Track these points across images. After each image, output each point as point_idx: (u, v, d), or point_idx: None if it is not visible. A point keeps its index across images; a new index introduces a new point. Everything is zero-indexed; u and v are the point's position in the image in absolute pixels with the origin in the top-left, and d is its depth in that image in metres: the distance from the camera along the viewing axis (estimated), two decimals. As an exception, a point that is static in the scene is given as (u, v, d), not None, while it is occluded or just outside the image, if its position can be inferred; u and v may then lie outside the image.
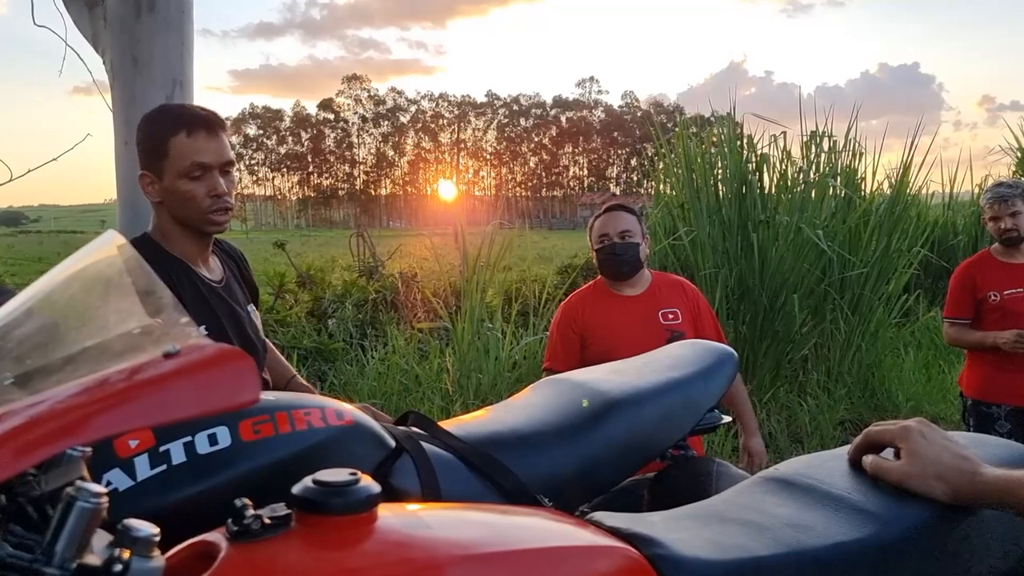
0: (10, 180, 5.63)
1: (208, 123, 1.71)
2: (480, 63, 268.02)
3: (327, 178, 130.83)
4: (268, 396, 1.16)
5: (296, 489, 0.73)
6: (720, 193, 6.04)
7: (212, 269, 1.85)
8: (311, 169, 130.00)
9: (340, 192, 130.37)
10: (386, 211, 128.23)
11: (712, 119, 7.75)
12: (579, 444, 1.33)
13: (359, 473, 0.74)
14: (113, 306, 0.74)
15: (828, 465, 1.05)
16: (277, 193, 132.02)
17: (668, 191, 6.58)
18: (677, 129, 6.39)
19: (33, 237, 50.05)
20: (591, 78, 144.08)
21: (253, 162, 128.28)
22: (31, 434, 0.55)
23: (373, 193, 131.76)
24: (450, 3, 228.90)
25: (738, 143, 6.14)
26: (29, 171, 5.91)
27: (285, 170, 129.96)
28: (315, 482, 0.72)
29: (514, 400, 1.56)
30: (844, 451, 1.06)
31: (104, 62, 4.88)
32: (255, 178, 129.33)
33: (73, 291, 0.79)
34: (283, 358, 2.08)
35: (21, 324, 0.73)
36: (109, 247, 0.78)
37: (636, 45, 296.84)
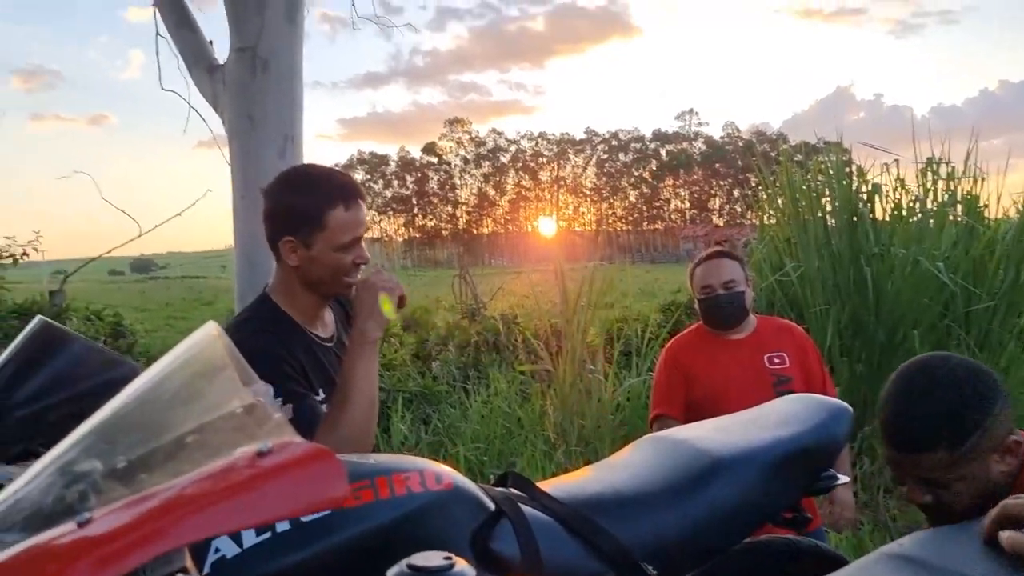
0: (139, 236, 6.05)
1: (359, 194, 1.76)
2: (578, 101, 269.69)
3: (431, 219, 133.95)
4: (368, 459, 1.17)
5: (391, 573, 0.73)
6: (829, 225, 5.83)
7: (326, 325, 1.90)
8: (415, 211, 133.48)
9: (443, 232, 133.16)
10: (488, 249, 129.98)
11: (819, 146, 7.52)
12: (684, 507, 1.28)
13: (454, 557, 0.73)
14: (212, 397, 0.77)
15: (960, 543, 0.96)
16: (384, 235, 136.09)
17: (772, 223, 6.39)
18: (781, 158, 6.22)
19: (162, 283, 53.16)
20: (690, 110, 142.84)
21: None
22: (140, 534, 0.57)
23: (475, 232, 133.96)
24: (547, 43, 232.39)
25: (847, 171, 5.92)
26: (156, 227, 6.33)
27: (391, 213, 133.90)
28: (410, 567, 0.72)
29: (615, 459, 1.52)
30: (976, 526, 0.97)
31: (223, 122, 5.18)
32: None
33: (176, 382, 0.82)
34: None
35: (131, 413, 0.76)
36: (209, 339, 0.81)
37: (736, 75, 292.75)
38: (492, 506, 1.21)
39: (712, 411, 2.62)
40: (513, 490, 1.31)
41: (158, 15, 5.48)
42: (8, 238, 5.64)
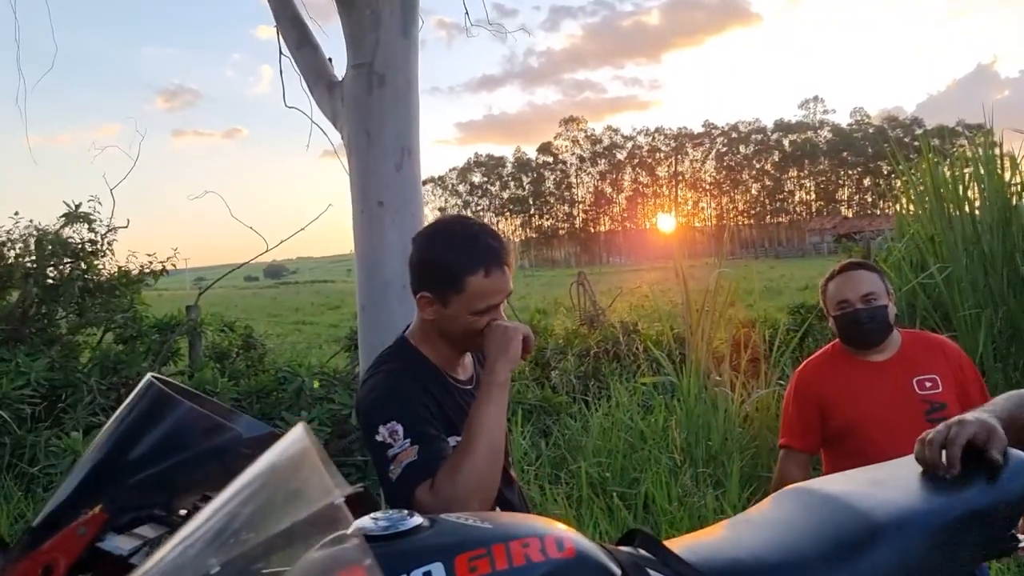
0: (265, 251, 6.27)
1: (503, 258, 1.70)
2: (696, 93, 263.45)
3: (548, 219, 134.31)
4: (484, 522, 1.09)
5: None
6: (977, 221, 5.37)
7: (465, 368, 1.88)
8: (532, 211, 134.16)
9: (560, 231, 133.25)
10: (605, 247, 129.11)
11: (960, 129, 6.99)
12: (838, 575, 1.13)
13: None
14: (293, 511, 0.72)
15: None
16: (501, 236, 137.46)
17: (911, 218, 5.95)
18: (919, 146, 5.77)
19: (292, 288, 55.86)
20: (815, 97, 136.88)
21: (479, 208, 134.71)
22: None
23: (592, 231, 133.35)
24: (663, 37, 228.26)
25: (996, 159, 5.43)
26: (280, 242, 6.52)
27: (508, 213, 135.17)
28: None
29: (753, 515, 1.37)
30: None
31: (342, 137, 5.28)
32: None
33: (267, 494, 0.78)
34: None
35: (225, 518, 0.72)
36: (298, 446, 0.76)
37: (864, 57, 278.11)
38: (618, 572, 1.11)
39: (854, 446, 2.39)
40: (641, 551, 1.20)
41: (280, 35, 5.65)
42: (150, 255, 5.97)
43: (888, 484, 1.28)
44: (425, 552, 0.95)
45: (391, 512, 1.00)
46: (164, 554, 0.75)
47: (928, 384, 2.38)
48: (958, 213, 5.39)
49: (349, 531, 0.77)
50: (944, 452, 1.25)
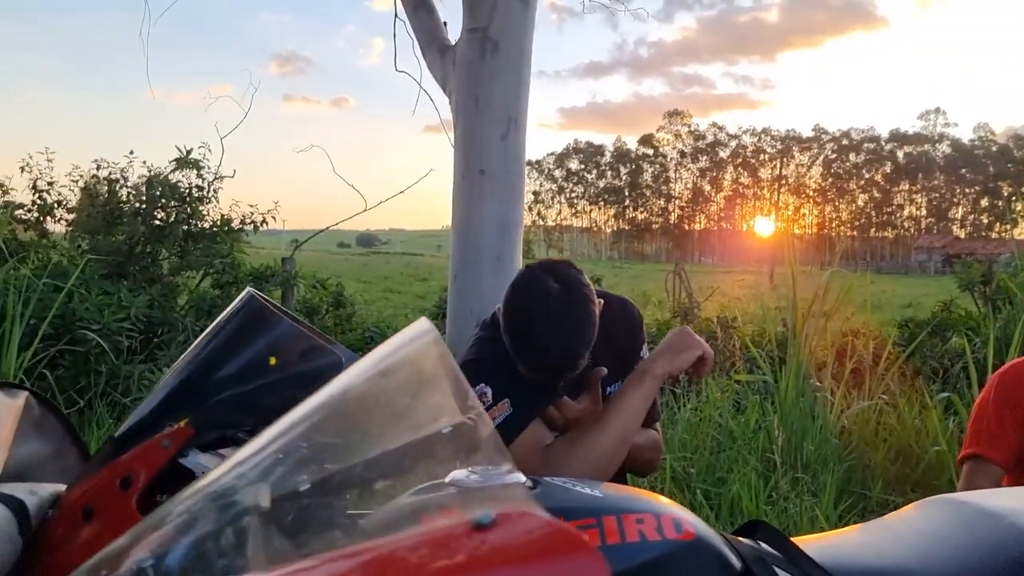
0: (364, 210, 6.31)
1: (557, 378, 1.55)
2: (809, 96, 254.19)
3: (642, 212, 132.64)
4: (595, 491, 0.97)
5: None
6: None
7: None
8: (627, 203, 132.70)
9: (653, 226, 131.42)
10: (698, 246, 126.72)
11: None
12: None
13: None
14: (417, 417, 0.60)
15: None
16: (593, 225, 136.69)
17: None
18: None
19: (382, 257, 57.05)
20: (936, 109, 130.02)
21: (573, 195, 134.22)
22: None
23: (686, 228, 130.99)
24: (781, 35, 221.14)
25: None
26: (380, 203, 6.58)
27: (602, 203, 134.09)
28: None
29: (893, 522, 1.20)
30: None
31: (450, 102, 5.24)
32: (574, 210, 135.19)
33: (381, 391, 0.66)
34: None
35: (322, 426, 0.61)
36: (423, 342, 0.64)
37: (993, 71, 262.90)
38: (739, 565, 0.97)
39: None
40: (764, 545, 1.06)
41: (398, -2, 5.64)
42: (252, 206, 6.08)
43: (1061, 505, 1.09)
44: None
45: (489, 466, 0.90)
46: (247, 455, 0.65)
47: None
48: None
49: (447, 480, 0.66)
50: None
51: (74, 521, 1.03)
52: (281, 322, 1.12)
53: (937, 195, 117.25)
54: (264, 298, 1.15)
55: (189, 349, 1.15)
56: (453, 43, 5.18)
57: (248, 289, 1.16)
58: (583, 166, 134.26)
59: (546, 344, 1.49)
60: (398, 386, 0.66)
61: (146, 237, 5.51)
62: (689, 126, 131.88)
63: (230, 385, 1.08)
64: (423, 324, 0.66)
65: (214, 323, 1.13)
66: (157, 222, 5.62)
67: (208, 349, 1.10)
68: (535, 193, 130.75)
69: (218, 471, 0.66)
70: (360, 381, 0.67)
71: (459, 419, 0.60)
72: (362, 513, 0.69)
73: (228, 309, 1.13)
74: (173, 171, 5.76)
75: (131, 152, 5.81)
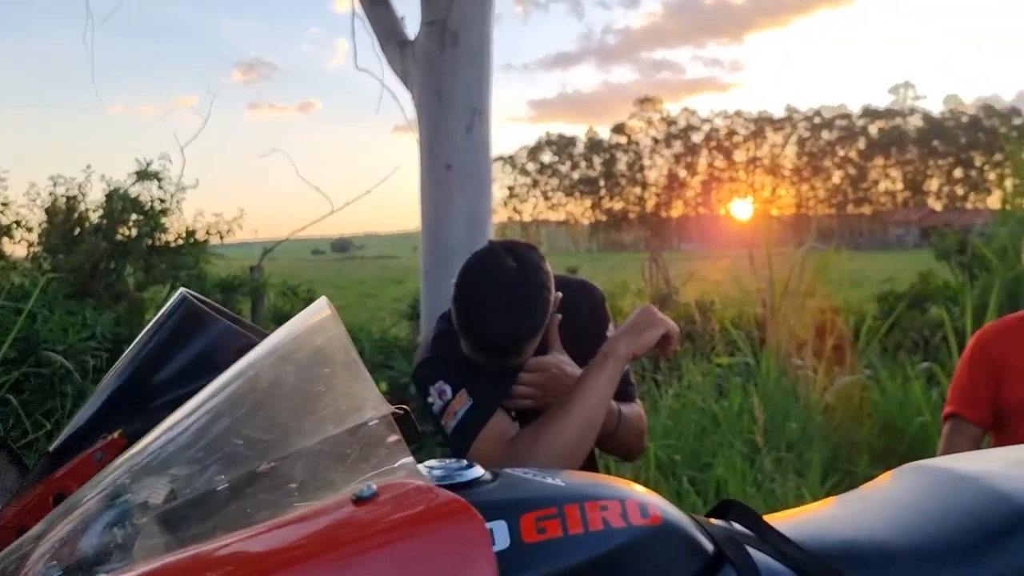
0: (331, 212, 6.24)
1: (501, 363, 1.50)
2: (779, 77, 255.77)
3: (618, 201, 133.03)
4: (556, 480, 0.92)
5: None
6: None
7: None
8: (602, 193, 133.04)
9: (630, 215, 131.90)
10: (676, 233, 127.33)
11: None
12: (971, 571, 0.92)
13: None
14: (318, 400, 0.55)
15: None
16: (570, 218, 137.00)
17: (1020, 203, 5.53)
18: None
19: (357, 262, 56.95)
20: (906, 83, 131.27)
21: (548, 188, 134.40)
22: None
23: (663, 215, 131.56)
24: (748, 16, 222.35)
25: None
26: (347, 204, 6.50)
27: (577, 195, 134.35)
28: None
29: (868, 493, 1.16)
30: None
31: (412, 96, 5.16)
32: (550, 204, 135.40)
33: (281, 374, 0.62)
34: None
35: (214, 417, 0.57)
36: (321, 322, 0.59)
37: (961, 43, 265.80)
38: (710, 548, 0.92)
39: None
40: (736, 526, 1.01)
41: (355, -6, 5.55)
42: (217, 215, 5.99)
43: (1036, 466, 1.05)
44: (486, 508, 0.79)
45: (448, 461, 0.85)
46: (142, 449, 0.62)
47: None
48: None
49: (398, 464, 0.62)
50: None
51: (8, 541, 1.00)
52: (217, 322, 1.07)
53: (911, 168, 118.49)
54: (200, 298, 1.11)
55: (122, 356, 1.11)
56: (412, 38, 5.11)
57: (181, 290, 1.12)
58: (556, 158, 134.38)
59: (492, 321, 1.43)
60: (299, 375, 0.61)
61: (109, 253, 5.41)
62: (661, 112, 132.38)
63: (166, 390, 1.05)
64: (321, 303, 0.61)
65: (147, 327, 1.09)
66: (119, 237, 5.52)
67: (142, 355, 1.06)
68: (509, 188, 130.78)
69: (112, 467, 0.62)
70: (258, 370, 0.62)
71: (365, 418, 0.54)
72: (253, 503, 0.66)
73: (161, 312, 1.10)
74: (133, 184, 5.65)
75: (88, 166, 5.70)
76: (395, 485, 0.44)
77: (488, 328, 1.44)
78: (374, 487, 0.44)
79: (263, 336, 1.14)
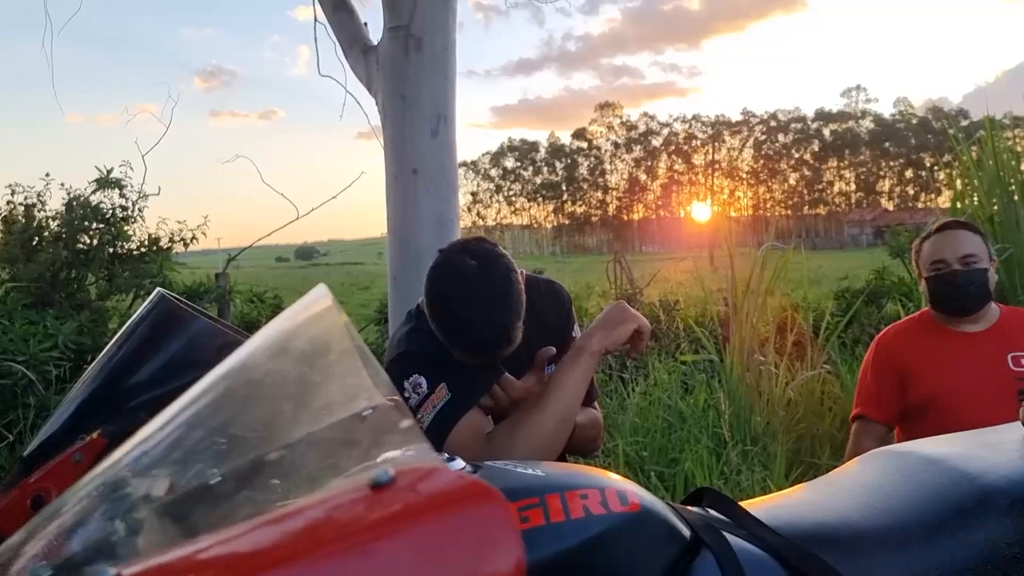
0: (297, 218, 6.18)
1: (490, 354, 1.51)
2: (736, 81, 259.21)
3: (580, 205, 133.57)
4: (536, 469, 0.95)
5: None
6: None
7: None
8: (565, 197, 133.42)
9: (593, 218, 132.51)
10: (638, 235, 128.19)
11: (1007, 121, 6.75)
12: (943, 549, 0.96)
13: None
14: (322, 379, 0.57)
15: None
16: (533, 222, 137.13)
17: (968, 202, 5.68)
18: (982, 133, 5.51)
19: (322, 269, 56.33)
20: (857, 86, 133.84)
21: (511, 193, 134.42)
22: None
23: (625, 218, 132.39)
24: (705, 22, 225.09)
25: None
26: (312, 209, 6.46)
27: (540, 199, 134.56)
28: None
29: (837, 478, 1.21)
30: None
31: (376, 102, 5.15)
32: (513, 208, 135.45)
33: (283, 358, 0.62)
34: None
35: (215, 409, 0.57)
36: (322, 309, 0.60)
37: (910, 47, 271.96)
38: (688, 533, 0.96)
39: (935, 421, 2.18)
40: (712, 512, 1.05)
41: (317, 1, 5.53)
42: (180, 223, 5.90)
43: (1001, 448, 1.10)
44: None
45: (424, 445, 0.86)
46: (139, 443, 0.61)
47: None
48: (1016, 194, 5.14)
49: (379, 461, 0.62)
50: None
51: (-16, 548, 0.97)
52: (195, 320, 1.07)
53: (864, 170, 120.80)
54: (176, 298, 1.10)
55: (99, 357, 1.09)
56: (375, 43, 5.11)
57: (158, 289, 1.11)
58: (519, 163, 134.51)
59: (473, 322, 1.46)
60: (301, 364, 0.62)
61: (70, 262, 5.30)
62: (621, 117, 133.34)
63: (145, 389, 1.03)
64: (320, 290, 0.62)
65: (124, 327, 1.07)
66: (80, 246, 5.41)
67: (120, 355, 1.05)
68: (473, 194, 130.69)
69: (111, 460, 0.62)
70: (257, 359, 0.63)
71: (373, 403, 0.56)
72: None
73: (138, 312, 1.08)
74: (94, 192, 5.55)
75: (47, 174, 5.59)
76: (412, 469, 0.45)
77: (474, 330, 1.46)
78: (391, 472, 0.44)
79: (243, 334, 1.15)
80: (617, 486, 0.93)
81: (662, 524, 0.94)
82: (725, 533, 0.98)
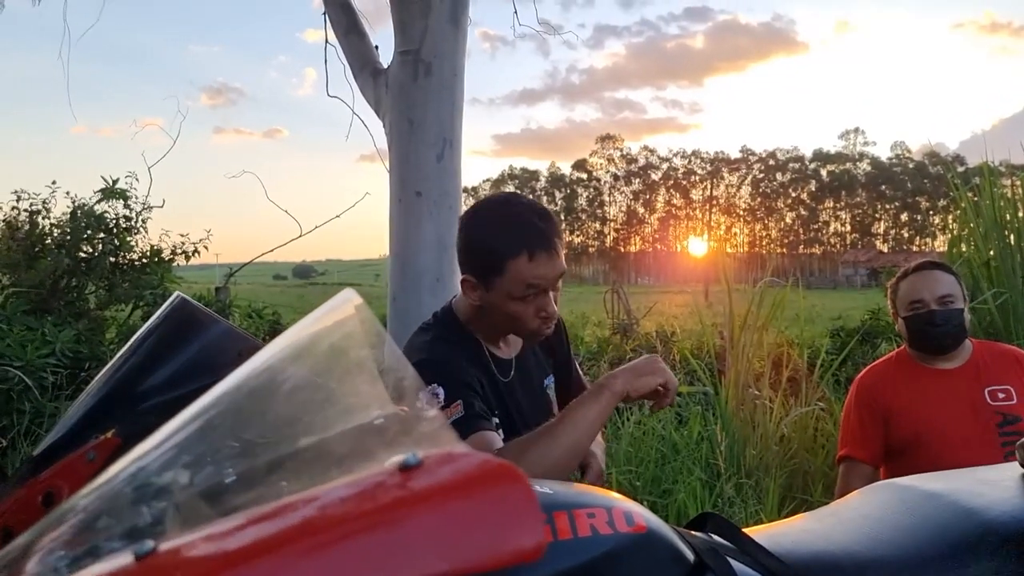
0: (299, 236, 6.21)
1: (551, 240, 1.56)
2: (736, 119, 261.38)
3: (578, 235, 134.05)
4: (544, 488, 0.95)
5: None
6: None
7: (508, 343, 1.78)
8: (563, 227, 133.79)
9: (590, 249, 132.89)
10: (635, 267, 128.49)
11: (1003, 169, 6.84)
12: None
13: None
14: (349, 384, 0.58)
15: None
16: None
17: (965, 246, 5.74)
18: (979, 179, 5.59)
19: (319, 288, 56.21)
20: (856, 129, 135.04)
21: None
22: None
23: (622, 250, 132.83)
24: (707, 60, 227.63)
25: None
26: (316, 227, 6.49)
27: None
28: None
29: (839, 509, 1.22)
30: None
31: (384, 125, 5.21)
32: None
33: (308, 360, 0.64)
34: None
35: (240, 406, 0.58)
36: (348, 309, 0.62)
37: (909, 93, 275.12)
38: (692, 557, 0.96)
39: (920, 458, 2.22)
40: (715, 537, 1.06)
41: (328, 23, 5.61)
42: (183, 235, 5.92)
43: (1002, 485, 1.12)
44: None
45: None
46: (160, 441, 0.62)
47: (1001, 395, 2.23)
48: (1013, 239, 5.20)
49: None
50: None
51: (-7, 544, 0.97)
52: (215, 323, 1.08)
53: (860, 211, 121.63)
54: (194, 302, 1.11)
55: (115, 358, 1.09)
56: (385, 66, 5.17)
57: (177, 293, 1.12)
58: (519, 191, 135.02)
59: (523, 212, 1.57)
60: (328, 364, 0.63)
61: (71, 270, 5.31)
62: (621, 150, 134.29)
63: (162, 391, 1.03)
64: (348, 293, 0.64)
65: (142, 329, 1.08)
66: (82, 254, 5.43)
67: (137, 355, 1.05)
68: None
69: (131, 456, 0.62)
70: (285, 361, 0.64)
71: (394, 408, 0.58)
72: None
73: (157, 314, 1.08)
74: (99, 202, 5.57)
75: (53, 182, 5.62)
76: (439, 454, 0.46)
77: (524, 216, 1.56)
78: (419, 455, 0.45)
79: (260, 341, 1.17)
80: (623, 506, 0.94)
81: (667, 547, 0.94)
82: (729, 558, 0.99)
